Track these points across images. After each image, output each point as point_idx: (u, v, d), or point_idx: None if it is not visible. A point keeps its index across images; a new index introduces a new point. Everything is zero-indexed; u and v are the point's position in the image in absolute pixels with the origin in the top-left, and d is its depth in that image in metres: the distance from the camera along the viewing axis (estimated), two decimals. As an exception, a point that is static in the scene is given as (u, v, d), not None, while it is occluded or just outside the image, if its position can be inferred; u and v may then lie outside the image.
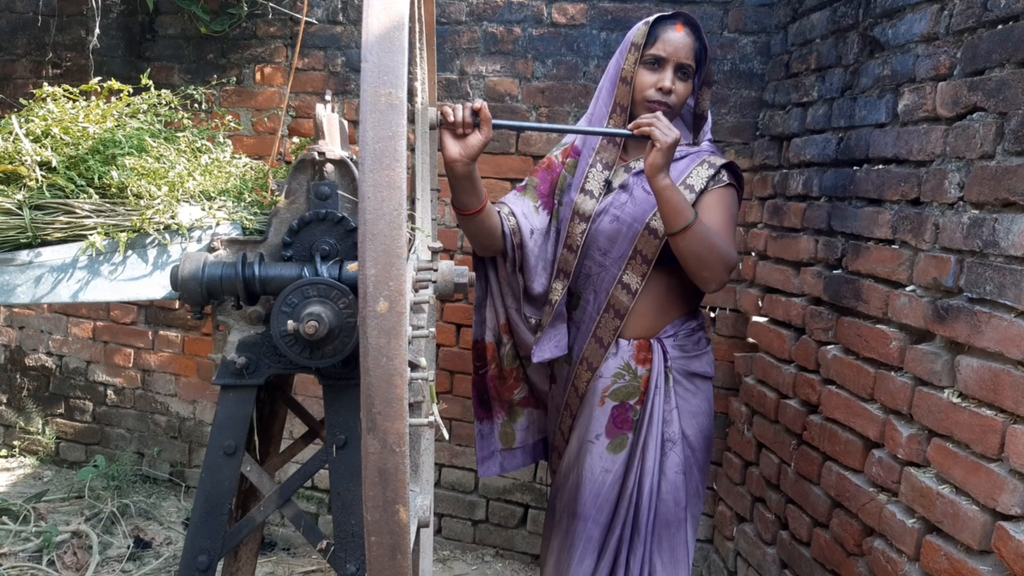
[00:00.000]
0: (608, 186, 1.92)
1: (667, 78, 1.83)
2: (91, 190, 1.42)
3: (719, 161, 1.90)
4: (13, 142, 1.43)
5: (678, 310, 1.96)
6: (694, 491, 1.97)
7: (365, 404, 0.88)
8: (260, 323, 1.35)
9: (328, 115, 1.34)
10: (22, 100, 1.67)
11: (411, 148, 2.17)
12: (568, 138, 2.09)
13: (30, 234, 1.36)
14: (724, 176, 1.89)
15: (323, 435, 1.73)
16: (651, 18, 1.85)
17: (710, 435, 2.01)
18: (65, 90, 1.59)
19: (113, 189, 1.42)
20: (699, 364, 1.97)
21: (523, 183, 2.03)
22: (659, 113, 1.73)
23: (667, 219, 1.74)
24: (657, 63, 1.84)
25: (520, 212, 1.94)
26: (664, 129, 1.67)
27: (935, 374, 1.62)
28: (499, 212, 1.91)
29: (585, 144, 1.98)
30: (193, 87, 1.95)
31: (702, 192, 1.86)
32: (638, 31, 1.85)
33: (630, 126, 1.74)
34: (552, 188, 1.99)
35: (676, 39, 1.82)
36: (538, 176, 2.01)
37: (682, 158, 1.91)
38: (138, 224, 1.37)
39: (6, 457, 3.69)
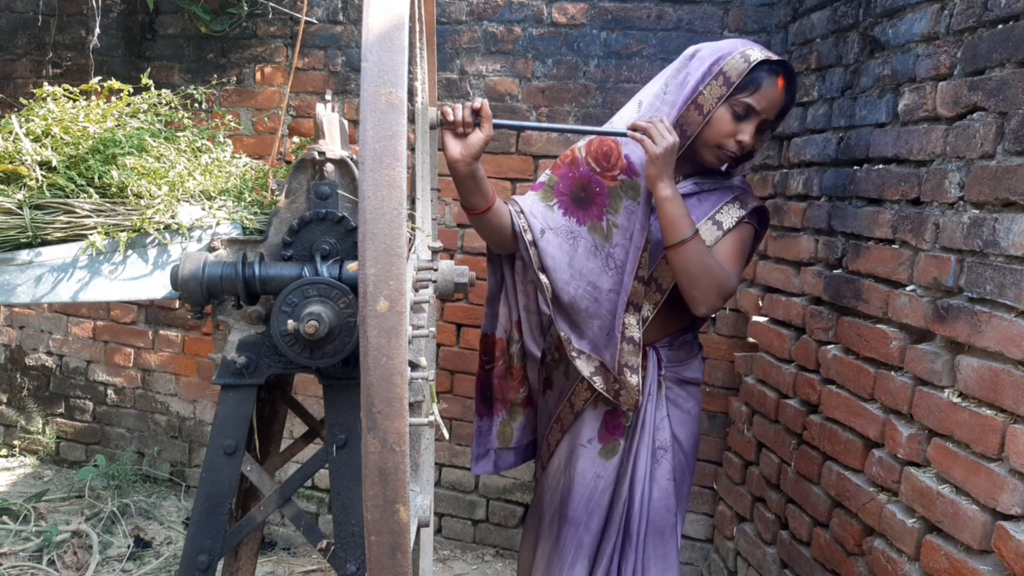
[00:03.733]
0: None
1: (749, 132, 1.71)
2: (91, 190, 1.42)
3: (752, 204, 1.84)
4: (13, 142, 1.43)
5: (677, 326, 1.93)
6: (684, 497, 1.97)
7: (365, 403, 0.88)
8: (260, 323, 1.35)
9: (328, 115, 1.34)
10: (22, 100, 1.67)
11: (411, 148, 2.17)
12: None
13: (30, 234, 1.36)
14: (747, 218, 1.83)
15: (323, 435, 1.73)
16: (754, 58, 1.68)
17: (698, 439, 2.01)
18: (65, 90, 1.59)
19: (113, 189, 1.42)
20: (690, 371, 1.96)
21: (542, 179, 1.92)
22: (662, 118, 1.67)
23: (665, 231, 1.70)
24: (746, 114, 1.70)
25: (530, 211, 1.85)
26: (657, 136, 1.62)
27: (935, 374, 1.62)
28: (510, 210, 1.85)
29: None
30: (193, 87, 1.95)
31: (728, 231, 1.80)
32: (737, 67, 1.68)
33: (628, 126, 1.72)
34: (572, 187, 1.86)
35: (774, 96, 1.70)
36: (559, 173, 1.88)
37: (713, 191, 1.85)
38: (138, 224, 1.37)
39: (6, 457, 3.69)
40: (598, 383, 1.82)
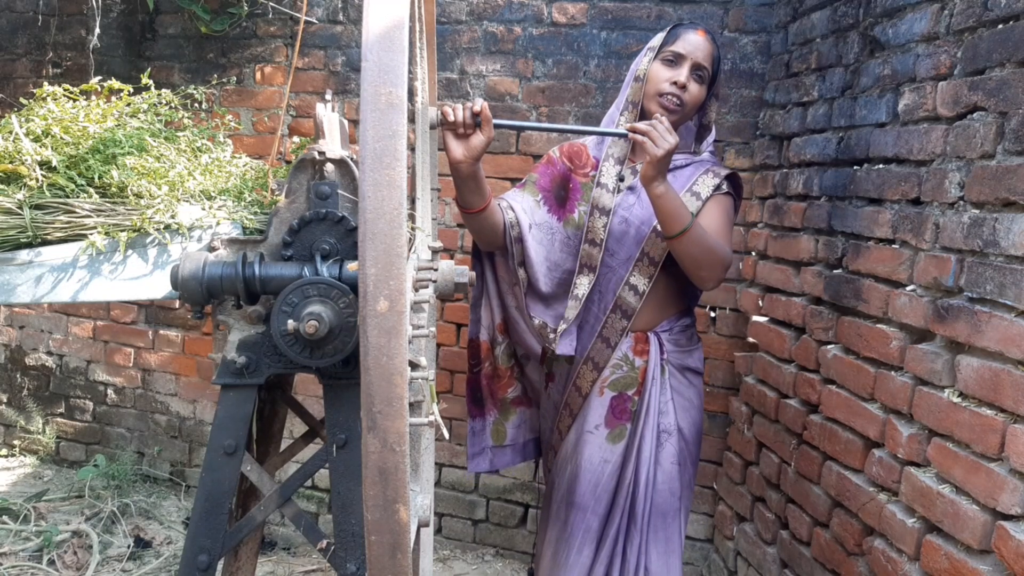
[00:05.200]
0: (619, 183, 1.93)
1: (683, 74, 1.84)
2: (91, 189, 1.42)
3: (724, 172, 1.95)
4: (13, 141, 1.43)
5: (675, 307, 2.00)
6: (687, 483, 2.01)
7: (365, 403, 0.88)
8: (260, 322, 1.35)
9: (328, 114, 1.34)
10: (22, 99, 1.67)
11: (411, 147, 2.17)
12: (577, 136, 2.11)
13: (30, 233, 1.36)
14: (724, 186, 1.94)
15: (323, 434, 1.73)
16: (670, 26, 1.90)
17: (701, 430, 2.05)
18: (65, 90, 1.59)
19: (113, 188, 1.42)
20: (692, 359, 2.01)
21: (523, 180, 2.04)
22: (659, 117, 1.73)
23: (664, 224, 1.77)
24: (675, 59, 1.85)
25: (519, 207, 1.94)
26: (657, 138, 1.68)
27: (935, 374, 1.62)
28: (499, 206, 1.92)
29: (602, 140, 1.99)
30: (193, 86, 1.95)
31: (707, 200, 1.90)
32: (658, 36, 1.90)
33: (627, 127, 1.75)
34: (552, 183, 1.99)
35: (696, 40, 1.85)
36: (538, 172, 2.02)
37: (687, 166, 1.95)
38: (138, 224, 1.37)
39: (6, 456, 3.69)
40: (562, 347, 1.93)
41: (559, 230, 1.97)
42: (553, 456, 2.07)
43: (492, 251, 2.01)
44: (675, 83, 1.84)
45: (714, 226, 1.87)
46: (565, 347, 1.94)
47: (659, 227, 1.84)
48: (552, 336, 1.96)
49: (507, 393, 2.12)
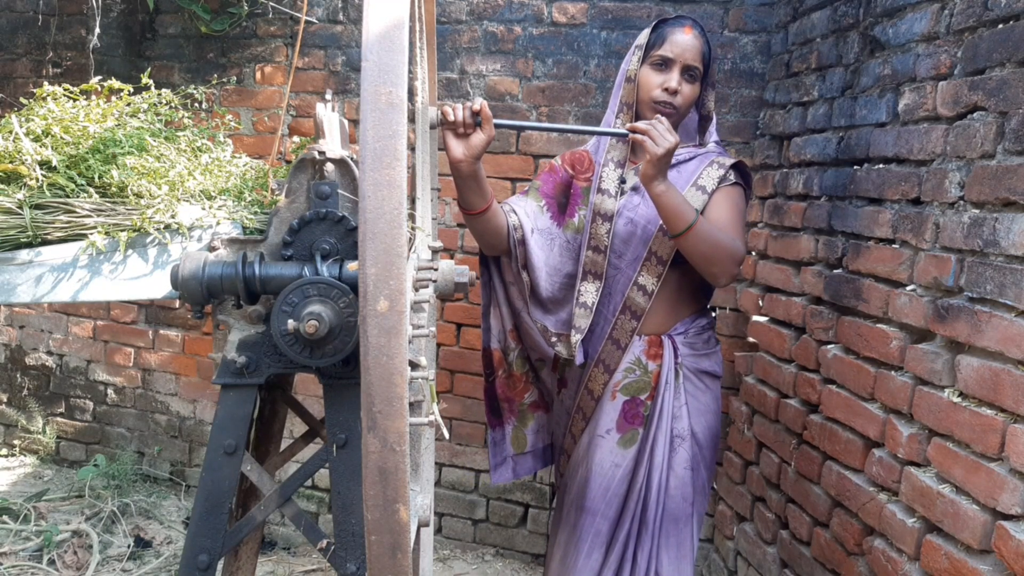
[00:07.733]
0: (622, 186, 1.92)
1: (673, 79, 1.83)
2: (91, 189, 1.42)
3: (728, 162, 1.92)
4: (13, 141, 1.43)
5: (689, 308, 1.98)
6: (701, 488, 1.99)
7: (365, 403, 0.88)
8: (260, 322, 1.35)
9: (328, 114, 1.34)
10: (22, 99, 1.67)
11: (411, 147, 2.17)
12: (579, 144, 2.10)
13: (30, 233, 1.36)
14: (731, 176, 1.91)
15: (323, 434, 1.73)
16: (654, 22, 1.87)
17: (717, 434, 2.03)
18: (65, 89, 1.59)
19: (113, 188, 1.42)
20: (708, 363, 1.99)
21: (526, 188, 2.04)
22: (659, 117, 1.74)
23: (668, 223, 1.76)
24: (664, 64, 1.84)
25: (523, 211, 1.94)
26: (657, 137, 1.68)
27: (935, 373, 1.62)
28: (502, 209, 1.91)
29: (599, 146, 1.99)
30: (193, 86, 1.95)
31: (713, 192, 1.88)
32: (644, 35, 1.88)
33: (628, 127, 1.75)
34: (555, 189, 1.99)
35: (684, 40, 1.83)
36: (541, 178, 2.02)
37: (691, 159, 1.94)
38: (138, 223, 1.37)
39: (7, 456, 3.69)
40: (578, 357, 1.93)
41: (559, 235, 1.97)
42: (566, 460, 2.07)
43: (497, 255, 2.01)
44: (667, 89, 1.83)
45: (723, 219, 1.85)
46: (581, 356, 1.93)
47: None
48: (554, 340, 1.96)
49: (524, 399, 2.12)
